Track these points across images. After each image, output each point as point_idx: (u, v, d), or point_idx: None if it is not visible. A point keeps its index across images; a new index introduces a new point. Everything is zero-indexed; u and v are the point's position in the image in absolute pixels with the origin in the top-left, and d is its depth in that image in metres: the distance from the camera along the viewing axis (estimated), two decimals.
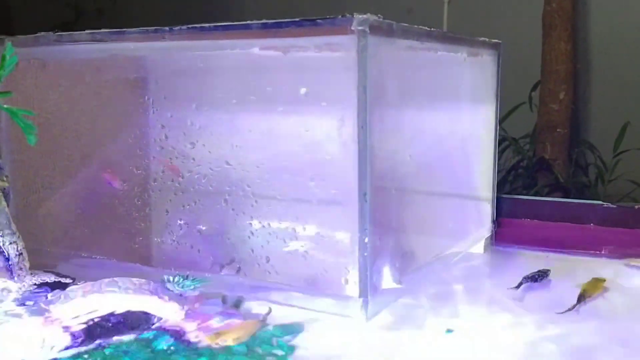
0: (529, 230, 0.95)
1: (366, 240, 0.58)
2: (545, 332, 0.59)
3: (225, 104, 0.66)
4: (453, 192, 0.81)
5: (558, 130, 1.90)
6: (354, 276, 0.60)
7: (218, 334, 0.55)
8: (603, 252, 0.88)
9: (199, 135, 0.67)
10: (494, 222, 0.93)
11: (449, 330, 0.59)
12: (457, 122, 0.79)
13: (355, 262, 0.59)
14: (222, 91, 0.66)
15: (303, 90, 0.60)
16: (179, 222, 0.69)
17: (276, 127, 0.63)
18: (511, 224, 0.96)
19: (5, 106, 0.56)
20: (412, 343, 0.57)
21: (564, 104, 1.88)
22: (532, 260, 0.86)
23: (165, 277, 0.68)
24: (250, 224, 0.65)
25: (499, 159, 1.78)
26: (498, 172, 1.76)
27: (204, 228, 0.68)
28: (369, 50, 0.55)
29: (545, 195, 1.76)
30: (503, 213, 0.96)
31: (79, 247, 0.77)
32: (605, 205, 0.91)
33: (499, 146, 1.79)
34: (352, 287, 0.60)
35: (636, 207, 0.89)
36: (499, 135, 1.82)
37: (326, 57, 0.59)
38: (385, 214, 0.63)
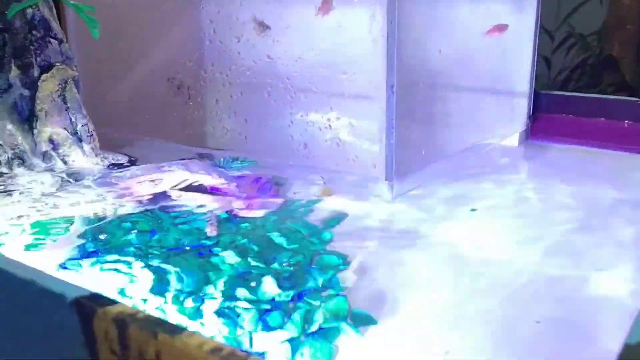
0: (565, 125, 0.98)
1: (393, 130, 0.64)
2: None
3: (265, 1, 0.70)
4: (487, 86, 0.84)
5: (628, 27, 1.82)
6: (381, 161, 0.66)
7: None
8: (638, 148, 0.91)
9: (243, 30, 0.72)
10: (529, 116, 0.96)
11: (472, 209, 0.66)
12: (493, 15, 0.81)
13: (382, 149, 0.65)
14: None
15: None
16: (227, 111, 0.76)
17: (312, 23, 0.68)
18: (547, 119, 0.98)
19: (71, 2, 0.63)
20: (435, 218, 0.64)
21: None
22: (564, 153, 0.90)
23: (217, 159, 0.77)
24: (290, 113, 0.72)
25: (565, 56, 1.74)
26: (563, 70, 1.73)
27: (249, 116, 0.75)
28: None
29: (609, 94, 1.73)
30: (540, 108, 0.98)
31: (141, 131, 0.86)
32: None
33: (564, 43, 1.75)
34: (380, 171, 0.66)
35: None
36: (565, 31, 1.77)
37: None
38: (413, 106, 0.68)
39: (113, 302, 0.34)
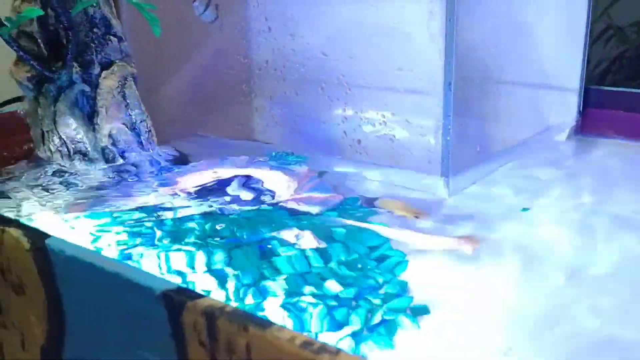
0: (615, 120, 0.96)
1: (449, 126, 0.64)
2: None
3: None
4: (538, 81, 0.84)
5: None
6: (436, 157, 0.66)
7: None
8: None
9: (297, 27, 0.73)
10: (579, 112, 0.95)
11: (524, 209, 0.66)
12: (545, 10, 0.80)
13: (438, 145, 0.66)
14: None
15: None
16: (281, 107, 0.77)
17: (368, 19, 0.68)
18: (598, 114, 0.97)
19: (134, 1, 0.64)
20: (492, 215, 0.64)
21: None
22: (614, 148, 0.89)
23: (272, 154, 0.78)
24: (344, 109, 0.72)
25: (602, 49, 1.71)
26: (600, 62, 1.70)
27: (303, 112, 0.76)
28: None
29: None
30: (590, 103, 0.97)
31: (193, 126, 0.88)
32: None
33: (602, 35, 1.72)
34: (436, 167, 0.67)
35: None
36: (604, 23, 1.74)
37: None
38: (468, 103, 0.68)
39: (200, 295, 0.35)
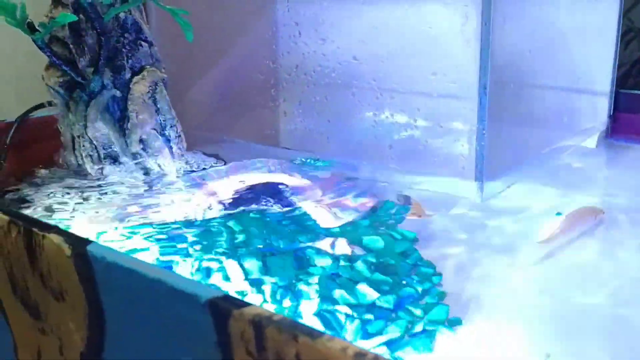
0: None
1: (484, 131, 0.64)
2: None
3: (353, 2, 0.71)
4: (569, 85, 0.83)
5: None
6: (471, 162, 0.65)
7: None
8: None
9: (328, 31, 0.73)
10: (610, 116, 0.94)
11: (558, 213, 0.65)
12: (578, 13, 0.79)
13: (472, 151, 0.65)
14: None
15: None
16: (310, 111, 0.77)
17: (400, 23, 0.68)
18: (628, 119, 0.96)
19: (167, 7, 0.64)
20: (526, 220, 0.63)
21: None
22: None
23: (299, 159, 0.78)
24: (375, 114, 0.72)
25: (623, 51, 1.69)
26: (622, 65, 1.68)
27: (332, 117, 0.76)
28: None
29: None
30: (620, 107, 0.96)
31: (221, 131, 0.88)
32: None
33: (623, 38, 1.70)
34: (470, 172, 0.66)
35: None
36: (625, 25, 1.72)
37: None
38: (502, 107, 0.67)
39: (247, 303, 0.35)
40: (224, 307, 0.35)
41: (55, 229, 0.45)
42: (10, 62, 1.39)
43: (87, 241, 0.42)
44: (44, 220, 0.57)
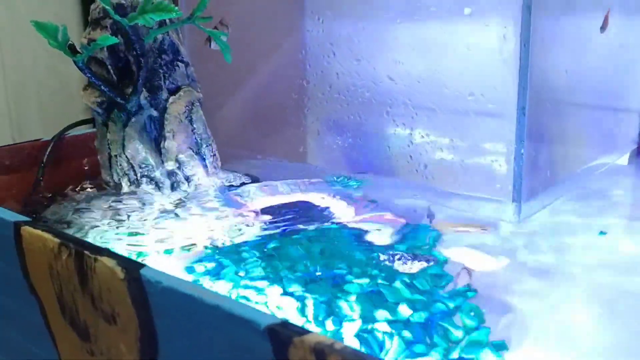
0: None
1: (522, 151, 0.63)
2: None
3: (389, 22, 0.71)
4: (603, 103, 0.82)
5: None
6: (507, 182, 0.65)
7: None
8: None
9: (363, 51, 0.73)
10: None
11: (602, 232, 0.64)
12: (613, 31, 0.79)
13: (510, 171, 0.65)
14: (386, 9, 0.71)
15: (467, 11, 0.64)
16: (343, 130, 0.77)
17: (437, 44, 0.68)
18: None
19: (208, 29, 0.65)
20: (566, 241, 0.63)
21: None
22: None
23: (332, 178, 0.78)
24: (410, 134, 0.72)
25: None
26: None
27: (366, 136, 0.76)
28: None
29: None
30: None
31: (252, 149, 0.88)
32: None
33: None
34: (506, 193, 0.66)
35: None
36: None
37: None
38: (540, 127, 0.67)
39: (307, 331, 0.35)
40: (284, 334, 0.35)
41: (106, 252, 0.46)
42: (31, 77, 1.41)
43: (140, 265, 0.43)
44: (90, 241, 0.58)
